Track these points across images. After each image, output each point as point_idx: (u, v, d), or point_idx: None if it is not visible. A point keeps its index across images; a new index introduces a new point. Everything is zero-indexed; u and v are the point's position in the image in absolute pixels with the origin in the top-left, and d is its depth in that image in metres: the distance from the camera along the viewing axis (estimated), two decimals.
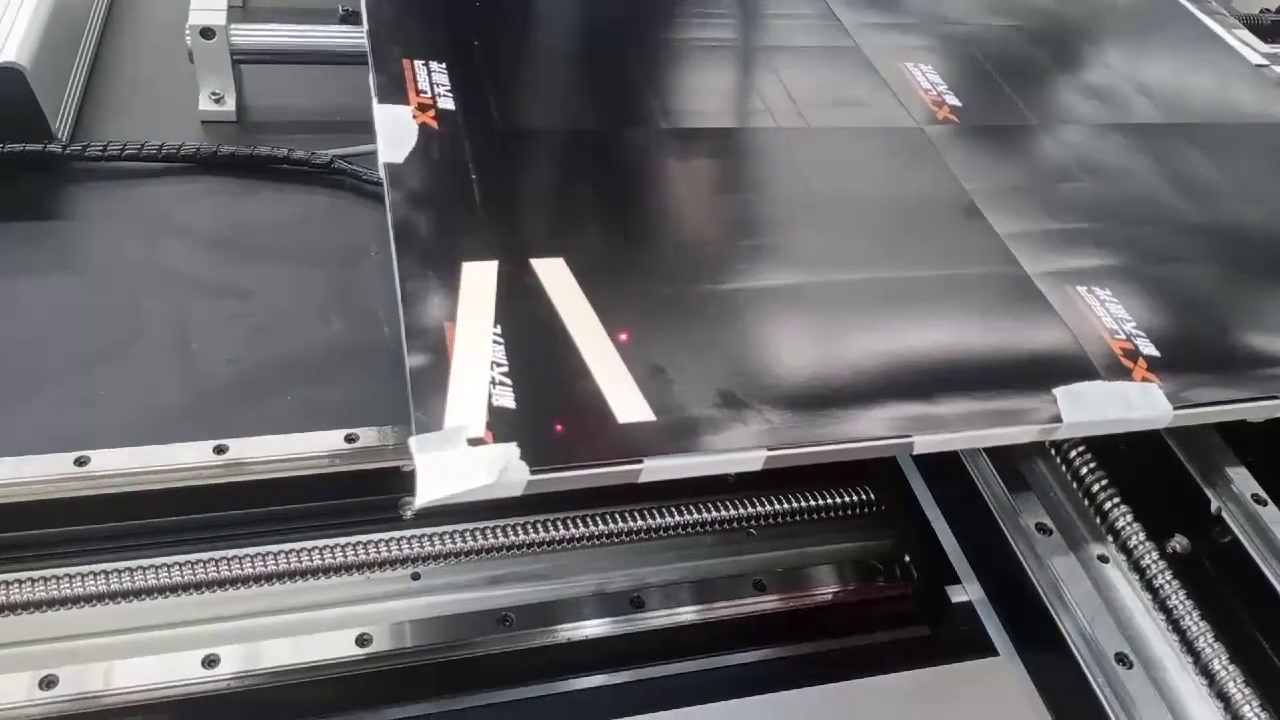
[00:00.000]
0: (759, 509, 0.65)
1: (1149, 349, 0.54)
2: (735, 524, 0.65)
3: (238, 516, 0.58)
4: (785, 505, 0.65)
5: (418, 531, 0.59)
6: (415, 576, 0.60)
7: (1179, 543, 0.55)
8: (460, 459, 0.42)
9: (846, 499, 0.65)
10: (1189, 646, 0.51)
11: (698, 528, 0.63)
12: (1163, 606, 0.53)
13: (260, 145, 0.75)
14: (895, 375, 0.51)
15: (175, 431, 0.56)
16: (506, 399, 0.45)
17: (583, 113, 0.66)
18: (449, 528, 0.59)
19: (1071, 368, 0.53)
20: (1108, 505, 0.56)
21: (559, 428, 0.45)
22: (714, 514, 0.64)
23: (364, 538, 0.58)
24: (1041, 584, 0.53)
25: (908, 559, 0.64)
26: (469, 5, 0.70)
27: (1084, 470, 0.57)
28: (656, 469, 0.45)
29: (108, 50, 0.84)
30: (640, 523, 0.62)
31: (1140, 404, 0.51)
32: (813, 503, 0.65)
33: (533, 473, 0.42)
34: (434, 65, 0.63)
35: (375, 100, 0.59)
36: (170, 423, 0.57)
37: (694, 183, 0.62)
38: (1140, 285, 0.58)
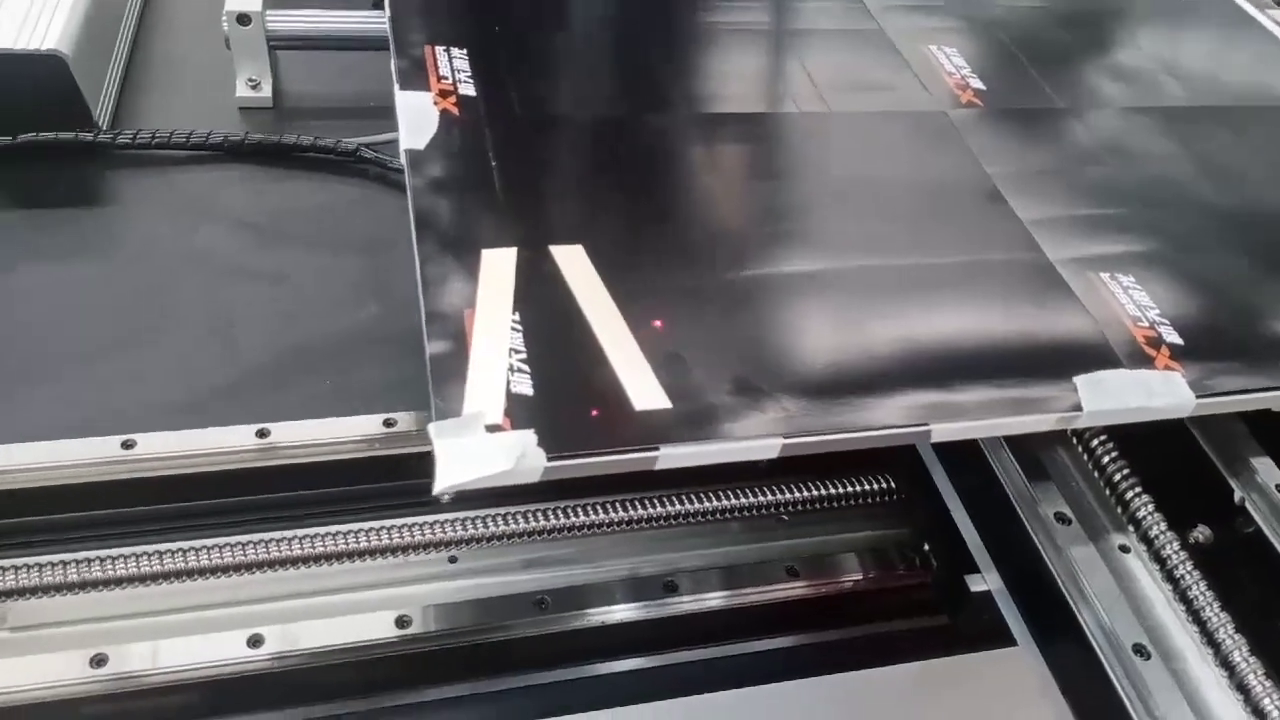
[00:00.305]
0: (784, 496, 0.65)
1: (1172, 337, 0.54)
2: (764, 510, 0.65)
3: (279, 499, 0.59)
4: (808, 493, 0.65)
5: (455, 515, 0.59)
6: (452, 560, 0.61)
7: (1201, 533, 0.55)
8: (478, 445, 0.43)
9: (867, 487, 0.65)
10: (1209, 638, 0.51)
11: (726, 514, 0.64)
12: (1183, 597, 0.52)
13: (288, 134, 0.76)
14: (913, 362, 0.50)
15: (215, 412, 0.57)
16: (524, 386, 0.45)
17: (602, 99, 0.66)
18: (486, 511, 0.60)
19: (1093, 355, 0.52)
20: (1129, 495, 0.56)
21: (576, 415, 0.45)
22: (742, 500, 0.64)
23: (402, 521, 0.59)
24: (1060, 574, 0.53)
25: (927, 548, 0.64)
26: None
27: (1106, 459, 0.57)
28: (672, 456, 0.45)
29: (146, 37, 0.86)
30: (670, 508, 0.62)
31: (1162, 392, 0.51)
32: (833, 490, 0.64)
33: (549, 459, 0.43)
34: (455, 51, 0.63)
35: (397, 87, 0.60)
36: (212, 403, 0.58)
37: (713, 169, 0.62)
38: (1165, 272, 0.58)
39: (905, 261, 0.56)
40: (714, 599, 0.62)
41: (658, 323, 0.50)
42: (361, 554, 0.58)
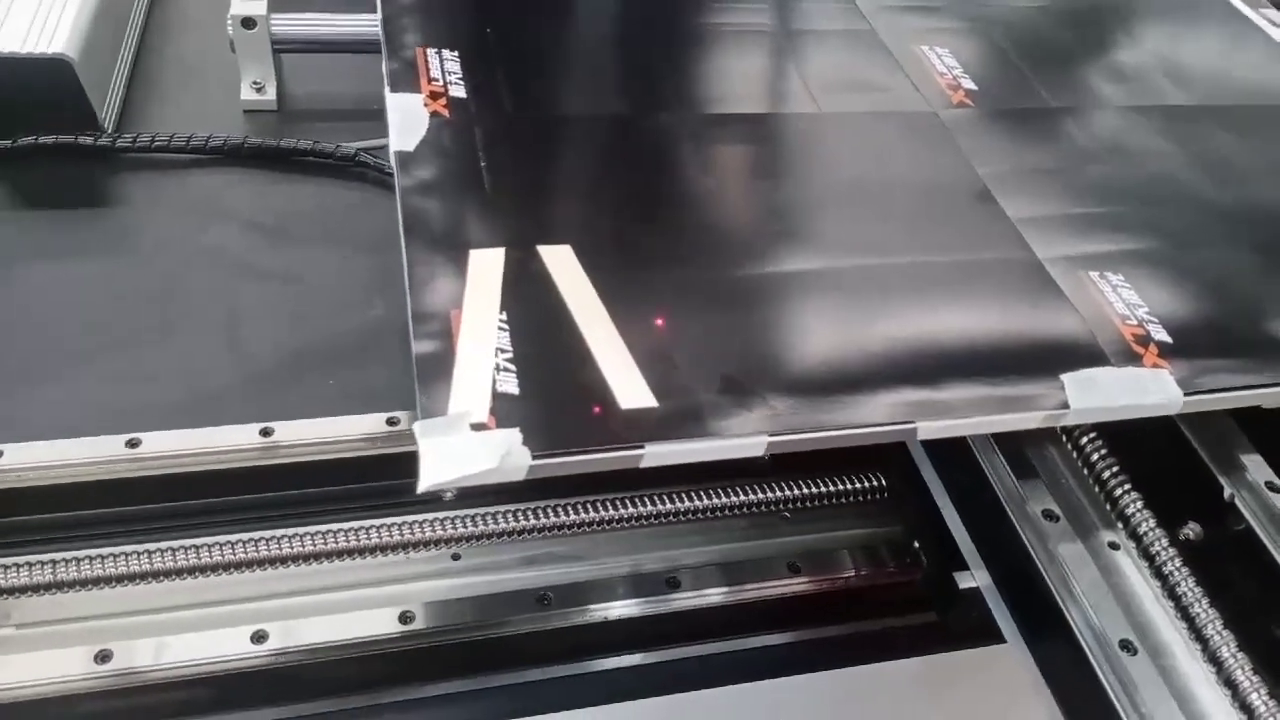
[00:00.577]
0: (778, 494, 0.65)
1: (1161, 335, 0.54)
2: (758, 508, 0.65)
3: (283, 497, 0.60)
4: (799, 490, 0.65)
5: (458, 513, 0.60)
6: (455, 557, 0.61)
7: (1191, 530, 0.54)
8: (463, 444, 0.43)
9: (857, 485, 0.65)
10: (1197, 634, 0.51)
11: (726, 511, 0.64)
12: (1171, 594, 0.52)
13: (288, 138, 0.77)
14: (901, 361, 0.51)
15: (221, 411, 0.58)
16: (510, 385, 0.46)
17: (591, 100, 0.67)
18: (488, 509, 0.61)
19: (1081, 353, 0.52)
20: (1118, 492, 0.56)
21: (562, 414, 0.45)
22: (738, 498, 0.64)
23: (405, 519, 0.59)
24: (1048, 571, 0.53)
25: (917, 545, 0.64)
26: None
27: (1095, 457, 0.57)
28: (658, 455, 0.45)
29: (151, 40, 0.87)
30: (669, 506, 0.63)
31: (1150, 390, 0.51)
32: (825, 489, 0.65)
33: (534, 458, 0.43)
34: (446, 53, 0.64)
35: (388, 89, 0.60)
36: (216, 402, 0.59)
37: (701, 169, 0.62)
38: (1154, 270, 0.58)
39: (894, 261, 0.57)
40: (714, 595, 0.62)
41: (645, 322, 0.50)
42: (364, 551, 0.59)
